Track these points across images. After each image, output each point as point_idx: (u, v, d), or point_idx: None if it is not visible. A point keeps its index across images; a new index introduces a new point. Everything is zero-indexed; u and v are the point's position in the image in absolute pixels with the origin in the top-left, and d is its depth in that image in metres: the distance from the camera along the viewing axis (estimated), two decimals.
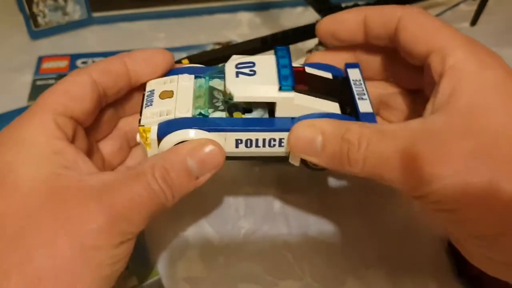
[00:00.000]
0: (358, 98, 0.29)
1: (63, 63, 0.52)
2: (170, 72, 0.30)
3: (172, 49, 0.54)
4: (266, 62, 0.28)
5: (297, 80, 0.27)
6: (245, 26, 0.58)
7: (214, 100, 0.28)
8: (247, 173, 0.41)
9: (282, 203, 0.39)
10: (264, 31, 0.56)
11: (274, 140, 0.27)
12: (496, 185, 0.22)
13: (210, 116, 0.27)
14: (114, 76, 0.27)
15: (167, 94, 0.28)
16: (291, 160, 0.28)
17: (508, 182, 0.22)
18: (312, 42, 0.45)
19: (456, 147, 0.23)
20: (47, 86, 0.50)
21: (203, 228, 0.37)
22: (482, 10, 0.55)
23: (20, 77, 0.51)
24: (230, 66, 0.27)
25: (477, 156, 0.22)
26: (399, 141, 0.23)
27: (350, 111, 0.29)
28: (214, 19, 0.59)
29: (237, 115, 0.27)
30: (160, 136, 0.26)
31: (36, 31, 0.55)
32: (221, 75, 0.29)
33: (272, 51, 0.28)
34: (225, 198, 0.39)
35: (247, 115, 0.28)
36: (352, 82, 0.30)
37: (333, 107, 0.28)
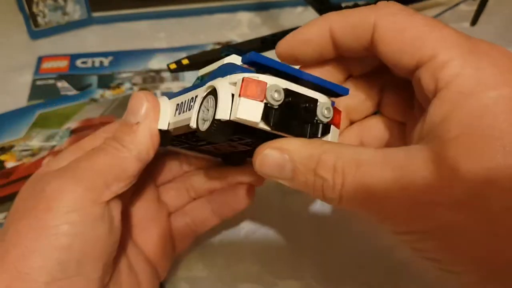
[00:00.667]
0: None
1: (63, 63, 0.52)
2: None
3: (172, 49, 0.54)
4: None
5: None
6: (245, 26, 0.58)
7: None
8: None
9: (282, 203, 0.39)
10: (264, 31, 0.56)
11: (192, 99, 0.25)
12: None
13: None
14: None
15: None
16: (190, 124, 0.24)
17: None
18: None
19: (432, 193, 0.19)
20: (47, 86, 0.51)
21: None
22: (483, 10, 0.55)
23: (20, 77, 0.51)
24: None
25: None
26: (376, 177, 0.20)
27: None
28: (214, 19, 0.59)
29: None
30: None
31: (36, 31, 0.55)
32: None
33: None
34: None
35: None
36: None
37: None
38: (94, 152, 0.25)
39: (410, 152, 0.20)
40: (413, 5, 0.52)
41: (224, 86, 0.22)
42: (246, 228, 0.37)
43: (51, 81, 0.51)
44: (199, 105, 0.23)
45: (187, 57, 0.38)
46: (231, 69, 0.23)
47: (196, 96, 0.24)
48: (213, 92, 0.22)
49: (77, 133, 0.45)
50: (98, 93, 0.49)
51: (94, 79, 0.51)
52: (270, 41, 0.41)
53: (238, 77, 0.21)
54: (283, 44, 0.26)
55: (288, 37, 0.26)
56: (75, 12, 0.56)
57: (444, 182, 0.19)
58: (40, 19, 0.54)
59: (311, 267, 0.35)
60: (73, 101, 0.48)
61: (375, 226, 0.37)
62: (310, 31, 0.25)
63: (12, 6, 0.55)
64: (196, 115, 0.23)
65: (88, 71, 0.52)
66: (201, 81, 0.26)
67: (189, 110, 0.25)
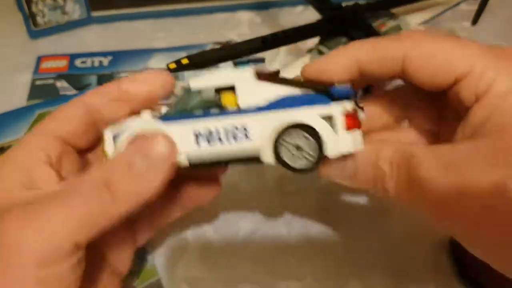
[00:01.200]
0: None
1: (63, 63, 0.52)
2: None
3: (172, 49, 0.54)
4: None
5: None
6: (245, 25, 0.58)
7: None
8: (247, 174, 0.40)
9: (282, 203, 0.39)
10: (264, 31, 0.56)
11: (237, 128, 0.24)
12: None
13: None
14: (106, 96, 0.27)
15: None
16: (263, 158, 0.24)
17: None
18: (312, 42, 0.45)
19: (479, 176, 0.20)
20: (46, 86, 0.50)
21: (203, 229, 0.37)
22: (483, 9, 0.55)
23: (19, 77, 0.51)
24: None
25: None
26: (429, 174, 0.22)
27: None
28: (213, 18, 0.59)
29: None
30: (114, 138, 0.25)
31: (35, 31, 0.55)
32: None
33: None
34: (225, 199, 0.39)
35: None
36: None
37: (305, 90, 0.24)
38: (69, 194, 0.22)
39: (459, 147, 0.22)
40: (413, 5, 0.52)
41: (321, 122, 0.23)
42: (247, 228, 0.37)
43: (50, 81, 0.50)
44: (271, 140, 0.23)
45: (187, 57, 0.38)
46: (302, 101, 0.23)
47: (245, 128, 0.24)
48: (305, 128, 0.23)
49: None
50: None
51: (93, 79, 0.51)
52: (270, 41, 0.41)
53: (329, 110, 0.23)
54: (309, 69, 0.27)
55: (315, 64, 0.26)
56: (75, 11, 0.56)
57: (483, 163, 0.20)
58: (39, 19, 0.54)
59: (312, 267, 0.35)
60: None
61: (377, 228, 0.37)
62: (338, 62, 0.26)
63: (11, 6, 0.54)
64: (273, 151, 0.23)
65: (87, 71, 0.52)
66: (221, 110, 0.24)
67: (233, 140, 0.24)
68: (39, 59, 0.53)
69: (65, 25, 0.56)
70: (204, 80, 0.25)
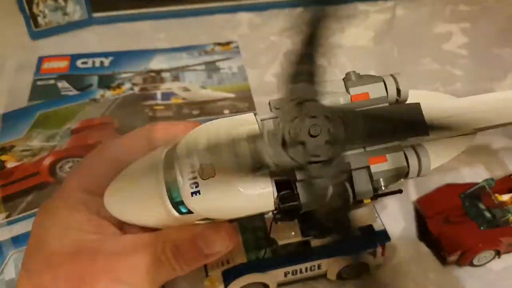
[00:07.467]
0: None
1: (63, 63, 0.53)
2: None
3: (172, 49, 0.54)
4: None
5: None
6: (245, 26, 0.58)
7: (260, 241, 0.32)
8: None
9: None
10: (265, 31, 0.56)
11: (314, 266, 0.32)
12: None
13: (261, 256, 0.31)
14: (134, 147, 0.28)
15: None
16: (328, 276, 0.33)
17: None
18: None
19: None
20: (47, 86, 0.51)
21: None
22: None
23: (21, 77, 0.51)
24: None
25: None
26: None
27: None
28: (214, 19, 0.59)
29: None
30: (227, 282, 0.31)
31: (36, 32, 0.55)
32: (259, 217, 0.30)
33: None
34: None
35: None
36: None
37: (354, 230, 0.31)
38: (144, 251, 0.25)
39: None
40: None
41: None
42: None
43: (51, 81, 0.51)
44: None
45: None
46: None
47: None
48: None
49: (78, 133, 0.45)
50: (99, 93, 0.49)
51: (94, 79, 0.51)
52: None
53: None
54: None
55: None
56: (76, 12, 0.56)
57: None
58: (40, 20, 0.55)
59: None
60: (74, 101, 0.48)
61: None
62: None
63: (12, 7, 0.55)
64: None
65: (88, 71, 0.52)
66: None
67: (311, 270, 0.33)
68: (40, 60, 0.53)
69: (66, 26, 0.56)
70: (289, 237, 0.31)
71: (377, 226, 0.33)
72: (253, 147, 0.23)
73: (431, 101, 0.24)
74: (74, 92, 0.50)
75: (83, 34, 0.57)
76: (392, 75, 0.24)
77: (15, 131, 0.45)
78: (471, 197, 0.36)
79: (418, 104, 0.23)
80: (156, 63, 0.53)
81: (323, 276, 0.34)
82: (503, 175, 0.38)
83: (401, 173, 0.23)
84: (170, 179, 0.24)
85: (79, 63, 0.53)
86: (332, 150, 0.21)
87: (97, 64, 0.53)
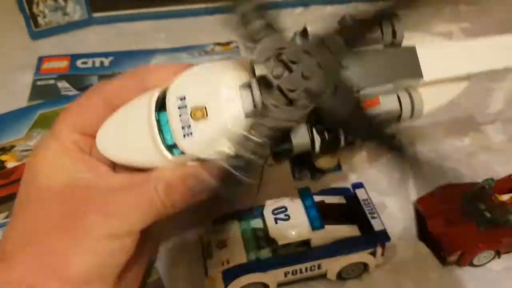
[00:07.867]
0: (371, 218, 0.34)
1: (64, 63, 0.53)
2: None
3: (172, 49, 0.54)
4: (295, 205, 0.33)
5: (321, 212, 0.32)
6: None
7: (260, 241, 0.33)
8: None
9: None
10: None
11: (314, 266, 0.33)
12: None
13: (261, 256, 0.32)
14: (124, 88, 0.27)
15: (222, 243, 0.33)
16: (328, 276, 0.34)
17: None
18: None
19: None
20: (47, 86, 0.51)
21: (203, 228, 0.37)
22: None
23: (21, 77, 0.51)
24: (268, 213, 0.33)
25: None
26: None
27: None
28: (214, 19, 0.59)
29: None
30: (227, 282, 0.31)
31: (36, 32, 0.55)
32: (259, 217, 0.34)
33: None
34: None
35: None
36: (362, 202, 0.35)
37: (354, 230, 0.33)
38: (137, 189, 0.25)
39: None
40: None
41: None
42: None
43: (51, 81, 0.51)
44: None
45: None
46: None
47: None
48: None
49: None
50: None
51: (94, 79, 0.51)
52: None
53: None
54: None
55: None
56: (75, 12, 0.56)
57: None
58: (40, 20, 0.55)
59: None
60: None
61: None
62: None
63: (12, 7, 0.55)
64: None
65: (88, 71, 0.52)
66: None
67: (311, 270, 0.34)
68: (40, 60, 0.53)
69: (66, 26, 0.56)
70: (289, 237, 0.32)
71: (377, 226, 0.33)
72: (246, 92, 0.23)
73: (426, 44, 0.25)
74: (74, 92, 0.50)
75: (83, 34, 0.57)
76: (388, 18, 0.24)
77: (15, 131, 0.45)
78: (471, 197, 0.36)
79: (414, 47, 0.23)
80: (156, 63, 0.53)
81: (323, 276, 0.34)
82: (503, 175, 0.38)
83: (394, 116, 0.24)
84: (163, 120, 0.24)
85: (79, 63, 0.53)
86: (333, 76, 0.22)
87: (97, 64, 0.53)
